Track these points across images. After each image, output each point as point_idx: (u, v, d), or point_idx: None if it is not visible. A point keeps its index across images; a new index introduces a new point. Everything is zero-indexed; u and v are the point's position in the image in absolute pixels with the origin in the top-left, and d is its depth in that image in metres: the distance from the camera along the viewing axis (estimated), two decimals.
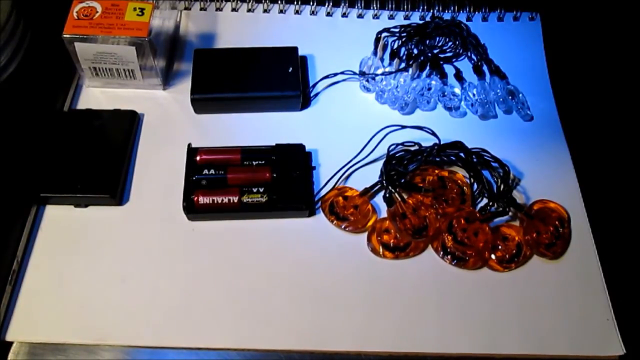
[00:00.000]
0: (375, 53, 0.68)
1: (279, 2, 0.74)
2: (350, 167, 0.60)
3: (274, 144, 0.60)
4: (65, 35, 0.58)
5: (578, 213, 0.59)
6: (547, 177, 0.61)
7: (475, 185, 0.59)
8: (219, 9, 0.74)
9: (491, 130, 0.64)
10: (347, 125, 0.64)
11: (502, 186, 0.58)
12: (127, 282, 0.53)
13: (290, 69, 0.64)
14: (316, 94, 0.67)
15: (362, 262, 0.55)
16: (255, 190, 0.56)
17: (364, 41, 0.69)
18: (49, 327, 0.51)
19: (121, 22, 0.59)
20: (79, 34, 0.58)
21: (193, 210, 0.56)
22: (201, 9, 0.74)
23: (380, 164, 0.60)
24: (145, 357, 0.51)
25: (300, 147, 0.60)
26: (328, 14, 0.74)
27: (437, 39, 0.71)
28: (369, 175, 0.60)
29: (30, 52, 0.64)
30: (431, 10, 0.74)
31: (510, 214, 0.57)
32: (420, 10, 0.74)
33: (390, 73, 0.66)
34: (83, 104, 0.64)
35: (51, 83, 0.64)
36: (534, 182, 0.60)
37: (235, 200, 0.56)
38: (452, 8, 0.74)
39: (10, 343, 0.50)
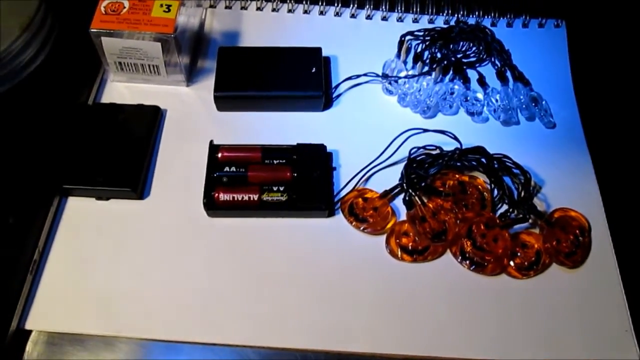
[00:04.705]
0: (398, 56, 0.68)
1: (304, 2, 0.74)
2: (371, 169, 0.60)
3: (295, 144, 0.60)
4: (92, 30, 0.59)
5: (599, 222, 0.58)
6: (569, 185, 0.60)
7: (496, 191, 0.59)
8: (243, 8, 0.74)
9: (513, 137, 0.64)
10: (369, 127, 0.64)
11: (522, 193, 0.58)
12: (145, 275, 0.54)
13: (314, 69, 0.64)
14: (338, 95, 0.67)
15: (380, 265, 0.55)
16: (275, 189, 0.56)
17: (387, 44, 0.69)
18: (67, 317, 0.51)
19: (148, 18, 0.60)
20: (105, 29, 0.59)
21: (213, 207, 0.56)
22: (226, 7, 0.74)
23: (400, 166, 0.60)
24: (160, 351, 0.51)
25: (321, 147, 0.60)
26: (352, 16, 0.74)
27: (461, 43, 0.71)
28: (390, 178, 0.60)
29: (57, 45, 0.64)
30: (456, 15, 0.74)
31: (530, 221, 0.57)
32: (444, 14, 0.74)
33: (413, 76, 0.66)
34: (107, 98, 0.65)
35: (77, 76, 0.64)
36: (555, 190, 0.60)
37: (255, 198, 0.56)
38: (476, 13, 0.74)
39: (29, 331, 0.51)
